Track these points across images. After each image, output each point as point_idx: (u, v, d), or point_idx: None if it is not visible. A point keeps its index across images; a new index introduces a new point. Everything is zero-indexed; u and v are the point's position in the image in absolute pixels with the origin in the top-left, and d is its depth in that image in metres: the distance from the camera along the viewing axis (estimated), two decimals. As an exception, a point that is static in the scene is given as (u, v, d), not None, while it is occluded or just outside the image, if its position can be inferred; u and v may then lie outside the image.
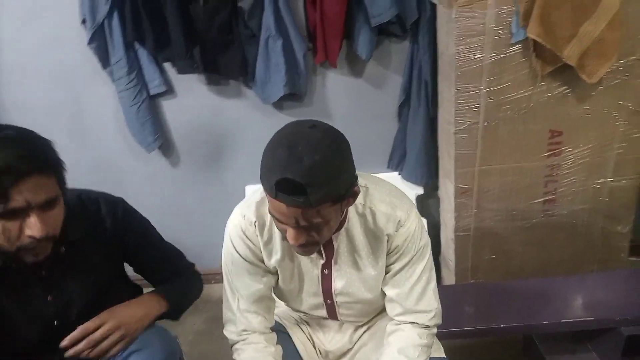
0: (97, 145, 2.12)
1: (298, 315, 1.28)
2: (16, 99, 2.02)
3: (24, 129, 0.93)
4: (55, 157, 0.95)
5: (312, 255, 1.07)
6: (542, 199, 1.73)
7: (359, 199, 1.02)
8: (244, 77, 1.96)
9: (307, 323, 1.28)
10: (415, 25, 1.84)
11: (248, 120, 2.08)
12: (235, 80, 1.99)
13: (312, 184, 0.83)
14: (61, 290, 1.05)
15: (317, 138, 0.86)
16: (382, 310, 1.22)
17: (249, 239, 1.07)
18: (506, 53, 1.53)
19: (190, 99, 2.04)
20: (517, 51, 1.52)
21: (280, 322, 1.26)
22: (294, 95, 1.98)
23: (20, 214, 0.89)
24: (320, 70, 1.98)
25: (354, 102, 2.01)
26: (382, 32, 1.88)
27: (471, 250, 1.82)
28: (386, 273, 1.09)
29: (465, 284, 1.83)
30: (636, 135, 1.62)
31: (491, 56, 1.53)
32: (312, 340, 1.25)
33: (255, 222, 1.05)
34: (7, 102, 2.02)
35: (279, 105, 2.03)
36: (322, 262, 1.08)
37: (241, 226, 1.07)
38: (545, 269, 1.81)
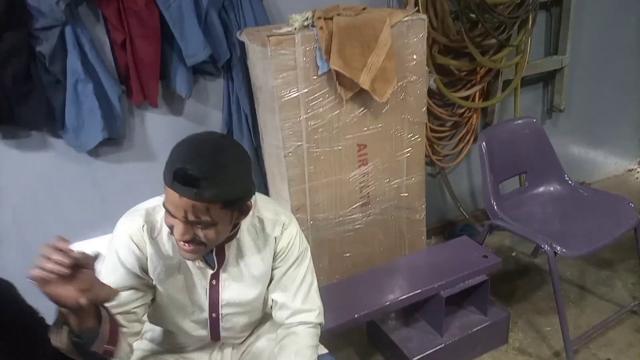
0: None
1: (173, 357, 1.26)
2: None
3: None
4: None
5: (201, 265, 1.11)
6: (360, 203, 2.03)
7: None
8: (51, 127, 1.79)
9: (185, 358, 1.26)
10: (227, 63, 1.97)
11: (60, 173, 1.88)
12: (40, 130, 1.80)
13: (207, 179, 0.90)
14: None
15: (224, 145, 0.96)
16: (258, 327, 1.31)
17: (136, 245, 1.06)
18: (316, 83, 1.78)
19: (-18, 158, 1.76)
20: (324, 81, 1.79)
21: None
22: (111, 140, 1.89)
23: None
24: (138, 112, 1.93)
25: (178, 140, 2.01)
26: (197, 70, 1.95)
27: (313, 259, 2.00)
28: (272, 279, 1.19)
29: (311, 292, 2.00)
30: (417, 140, 2.05)
31: (304, 87, 1.76)
32: None
33: (143, 226, 1.06)
34: None
35: (94, 152, 1.90)
36: (211, 272, 1.12)
37: (129, 232, 1.06)
38: (372, 262, 2.11)
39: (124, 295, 1.05)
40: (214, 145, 0.94)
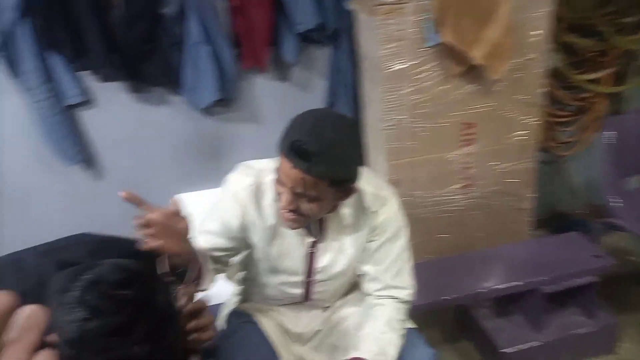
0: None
1: (265, 307, 1.31)
2: None
3: None
4: None
5: (302, 233, 1.13)
6: (460, 185, 1.94)
7: None
8: (171, 84, 1.93)
9: (276, 310, 1.31)
10: (335, 33, 1.96)
11: (175, 127, 2.04)
12: (161, 87, 1.95)
13: (321, 156, 0.92)
14: None
15: (344, 125, 0.98)
16: (347, 294, 1.31)
17: (239, 203, 1.10)
18: (423, 56, 1.71)
19: (112, 109, 1.95)
20: (432, 54, 1.71)
21: (247, 312, 1.29)
22: (222, 101, 1.99)
23: None
24: (247, 75, 2.01)
25: (282, 105, 2.07)
26: (305, 38, 1.97)
27: (404, 236, 1.97)
28: (366, 251, 1.18)
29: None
30: (531, 123, 1.90)
31: (411, 59, 1.70)
32: (283, 326, 1.29)
33: (251, 185, 1.10)
34: None
35: (207, 111, 2.02)
36: (311, 240, 1.14)
37: (235, 189, 1.11)
38: (468, 246, 2.01)
39: (217, 242, 1.11)
40: (333, 124, 0.96)
